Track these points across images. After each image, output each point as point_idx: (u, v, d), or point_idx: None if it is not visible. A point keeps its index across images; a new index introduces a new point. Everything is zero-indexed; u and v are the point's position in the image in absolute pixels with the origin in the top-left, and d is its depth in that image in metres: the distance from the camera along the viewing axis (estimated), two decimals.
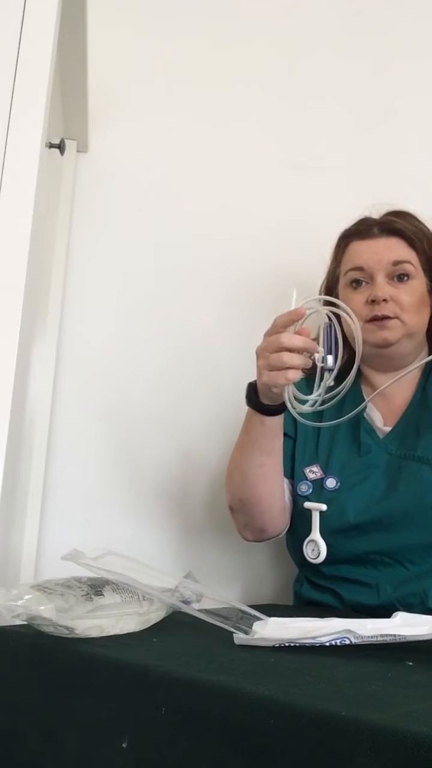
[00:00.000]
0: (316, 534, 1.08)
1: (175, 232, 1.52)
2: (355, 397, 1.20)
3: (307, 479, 1.16)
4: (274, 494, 1.13)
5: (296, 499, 1.16)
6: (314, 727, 0.51)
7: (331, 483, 1.14)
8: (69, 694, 0.71)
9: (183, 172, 1.55)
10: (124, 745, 0.63)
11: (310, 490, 1.15)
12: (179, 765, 0.59)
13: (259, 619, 0.80)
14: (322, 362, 0.95)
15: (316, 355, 0.95)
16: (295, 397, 0.98)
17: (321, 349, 0.95)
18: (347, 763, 0.49)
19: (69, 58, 1.21)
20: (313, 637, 0.72)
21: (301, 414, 0.98)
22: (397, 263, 1.16)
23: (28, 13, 0.94)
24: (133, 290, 1.49)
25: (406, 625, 0.75)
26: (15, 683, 0.76)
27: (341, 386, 0.93)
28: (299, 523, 1.15)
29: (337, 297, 1.22)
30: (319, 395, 0.95)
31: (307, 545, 1.10)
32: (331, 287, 1.25)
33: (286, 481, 1.18)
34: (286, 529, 1.19)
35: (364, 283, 1.17)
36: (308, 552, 1.09)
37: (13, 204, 0.90)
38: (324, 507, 1.08)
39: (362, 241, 1.19)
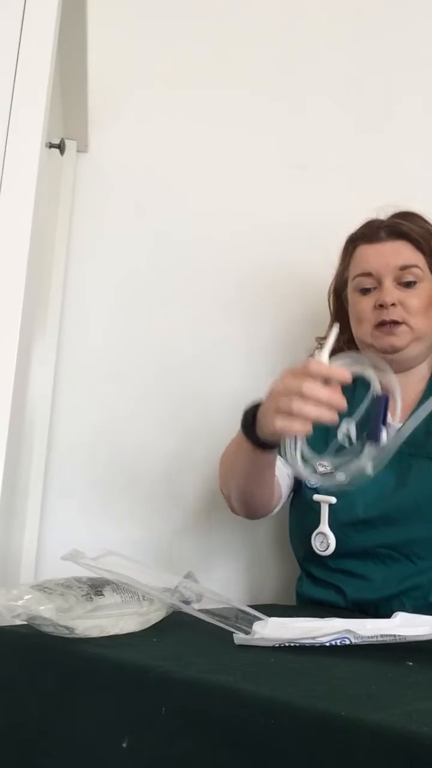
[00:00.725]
0: (324, 526, 1.10)
1: (175, 232, 1.52)
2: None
3: (317, 472, 1.17)
4: (264, 496, 1.13)
5: (305, 490, 1.17)
6: (314, 727, 0.51)
7: (341, 477, 1.14)
8: (69, 694, 0.71)
9: (183, 173, 1.55)
10: (124, 745, 0.63)
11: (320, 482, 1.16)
12: (179, 765, 0.59)
13: (259, 619, 0.80)
14: (346, 430, 0.82)
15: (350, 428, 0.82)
16: (302, 454, 0.86)
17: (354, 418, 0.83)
18: (347, 763, 0.49)
19: (69, 59, 1.21)
20: (313, 637, 0.72)
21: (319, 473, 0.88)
22: (404, 268, 1.16)
23: (28, 13, 0.94)
24: (133, 290, 1.49)
25: (405, 626, 0.75)
26: (15, 683, 0.76)
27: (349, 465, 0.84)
28: (307, 515, 1.16)
29: (345, 300, 1.24)
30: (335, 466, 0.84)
31: (315, 537, 1.11)
32: (339, 290, 1.27)
33: (281, 461, 1.17)
34: (276, 510, 1.18)
35: (372, 289, 1.18)
36: (317, 544, 1.11)
37: (13, 204, 0.90)
38: (333, 500, 1.09)
39: (370, 245, 1.20)
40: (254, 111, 1.61)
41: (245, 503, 1.14)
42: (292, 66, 1.64)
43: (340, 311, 1.28)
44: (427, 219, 1.21)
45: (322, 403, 0.82)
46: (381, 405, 0.81)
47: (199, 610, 0.82)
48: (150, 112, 1.56)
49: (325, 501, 1.09)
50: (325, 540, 1.09)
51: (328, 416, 0.83)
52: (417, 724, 0.48)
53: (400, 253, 1.17)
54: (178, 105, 1.57)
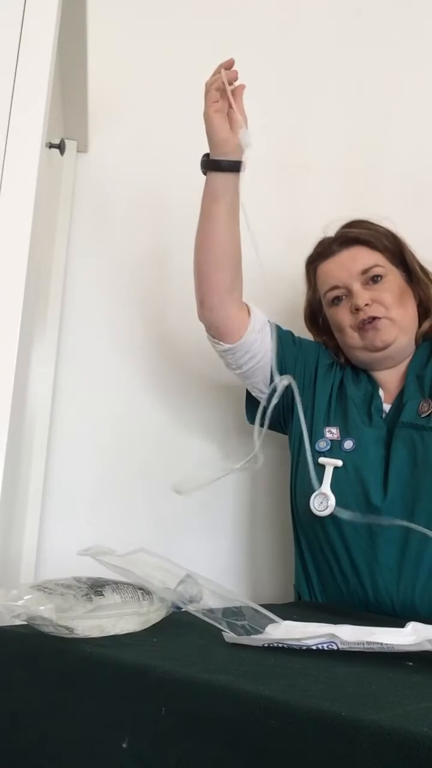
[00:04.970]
0: (326, 487, 1.12)
1: (174, 232, 1.52)
2: (368, 381, 1.24)
3: (325, 437, 1.19)
4: (218, 271, 1.17)
5: (312, 452, 1.17)
6: (314, 727, 0.51)
7: (348, 444, 1.17)
8: (69, 694, 0.71)
9: (183, 173, 1.54)
10: (124, 745, 0.63)
11: (328, 447, 1.17)
12: (179, 765, 0.59)
13: (272, 621, 0.80)
14: None
15: None
16: None
17: None
18: (347, 763, 0.49)
19: (69, 58, 1.21)
20: (298, 639, 0.72)
21: None
22: (365, 271, 1.20)
23: (29, 14, 0.95)
24: (133, 290, 1.49)
25: (392, 633, 0.75)
26: (15, 683, 0.76)
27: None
28: (307, 477, 1.15)
29: (323, 320, 1.29)
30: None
31: (315, 498, 1.13)
32: (314, 313, 1.31)
33: (262, 320, 1.21)
34: (240, 337, 1.19)
35: (344, 297, 1.22)
36: (315, 504, 1.12)
37: (13, 204, 0.90)
38: (340, 463, 1.13)
39: (327, 260, 1.25)
40: (253, 111, 1.60)
41: (200, 287, 1.17)
42: (292, 65, 1.64)
43: (321, 334, 1.32)
44: (372, 221, 1.25)
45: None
46: None
47: (203, 611, 0.81)
48: (150, 111, 1.56)
49: (331, 463, 1.12)
50: (325, 500, 1.11)
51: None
52: (417, 724, 0.48)
53: (356, 258, 1.21)
54: (178, 105, 1.57)
